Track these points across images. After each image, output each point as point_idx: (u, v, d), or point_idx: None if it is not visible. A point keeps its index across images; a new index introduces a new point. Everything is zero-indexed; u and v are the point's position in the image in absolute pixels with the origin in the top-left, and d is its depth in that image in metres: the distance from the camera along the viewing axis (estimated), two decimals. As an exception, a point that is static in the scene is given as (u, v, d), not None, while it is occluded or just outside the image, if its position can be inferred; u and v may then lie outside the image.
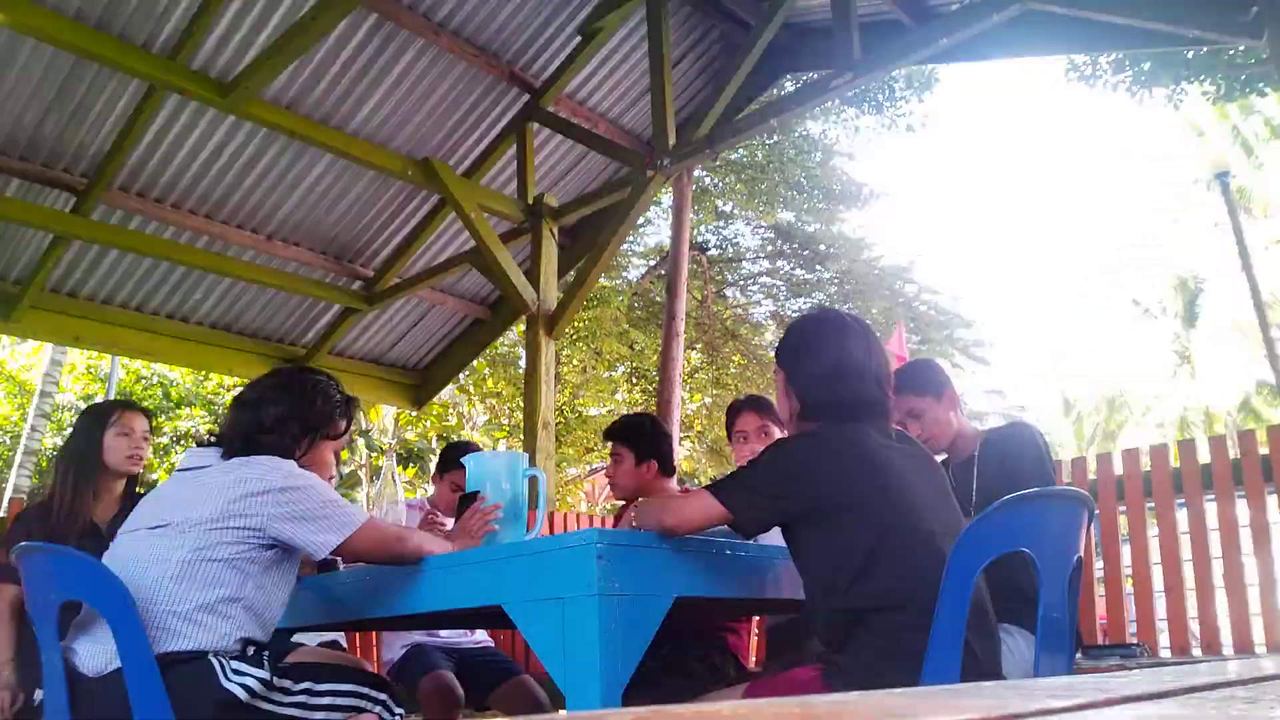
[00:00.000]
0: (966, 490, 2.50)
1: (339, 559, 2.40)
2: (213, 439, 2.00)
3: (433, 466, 3.48)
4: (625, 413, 15.40)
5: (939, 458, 2.68)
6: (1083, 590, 2.02)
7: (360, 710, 1.84)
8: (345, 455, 13.34)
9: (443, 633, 3.24)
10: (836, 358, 1.83)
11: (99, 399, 15.14)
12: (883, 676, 1.59)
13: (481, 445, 13.66)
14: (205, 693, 1.68)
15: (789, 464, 1.76)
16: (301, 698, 1.80)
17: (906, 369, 2.67)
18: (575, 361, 14.19)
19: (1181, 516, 3.49)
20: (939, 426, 2.54)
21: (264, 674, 1.76)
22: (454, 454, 3.40)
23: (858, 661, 1.65)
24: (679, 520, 1.74)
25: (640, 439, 3.09)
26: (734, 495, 1.75)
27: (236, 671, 1.73)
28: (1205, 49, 7.10)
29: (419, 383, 7.03)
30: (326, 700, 1.81)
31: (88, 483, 2.64)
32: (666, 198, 12.77)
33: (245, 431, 1.93)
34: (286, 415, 1.97)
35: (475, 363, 12.05)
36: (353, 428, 2.17)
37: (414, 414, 15.04)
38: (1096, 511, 3.44)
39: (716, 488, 1.77)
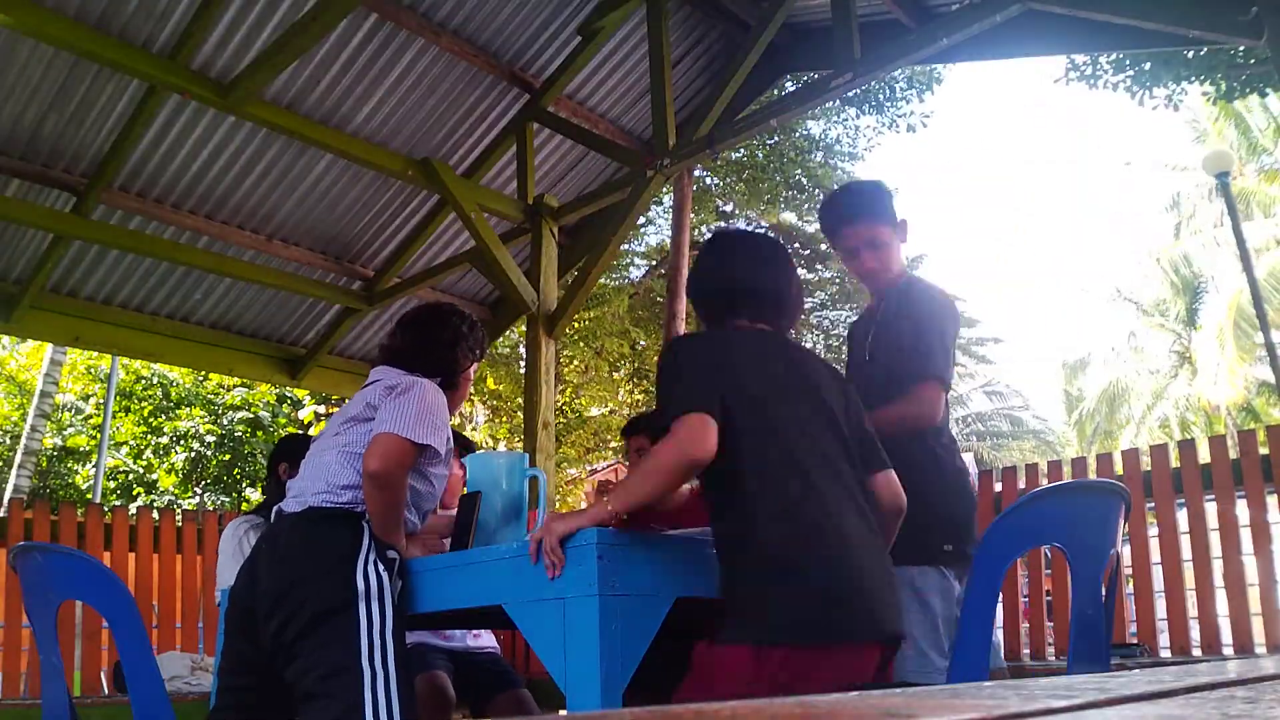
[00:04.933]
0: (861, 341, 2.36)
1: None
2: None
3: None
4: (627, 413, 15.45)
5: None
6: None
7: None
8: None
9: (449, 632, 3.24)
10: (714, 264, 1.97)
11: (99, 399, 15.15)
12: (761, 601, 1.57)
13: (482, 445, 13.67)
14: (341, 563, 1.89)
15: (694, 351, 1.80)
16: (378, 644, 1.87)
17: (858, 191, 2.45)
18: (576, 361, 14.19)
19: (1181, 516, 3.49)
20: (894, 260, 2.36)
21: (387, 580, 1.92)
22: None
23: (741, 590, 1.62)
24: (687, 454, 1.64)
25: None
26: (679, 404, 1.67)
27: (374, 564, 1.91)
28: (1205, 49, 7.09)
29: (419, 383, 7.02)
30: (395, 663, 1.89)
31: None
32: (667, 198, 12.77)
33: (423, 351, 2.25)
34: (459, 341, 2.32)
35: (475, 363, 12.03)
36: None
37: (414, 414, 15.00)
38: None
39: (674, 406, 1.69)
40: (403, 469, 1.98)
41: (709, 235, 2.12)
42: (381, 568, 1.93)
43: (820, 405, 1.78)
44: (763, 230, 14.79)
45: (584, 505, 3.36)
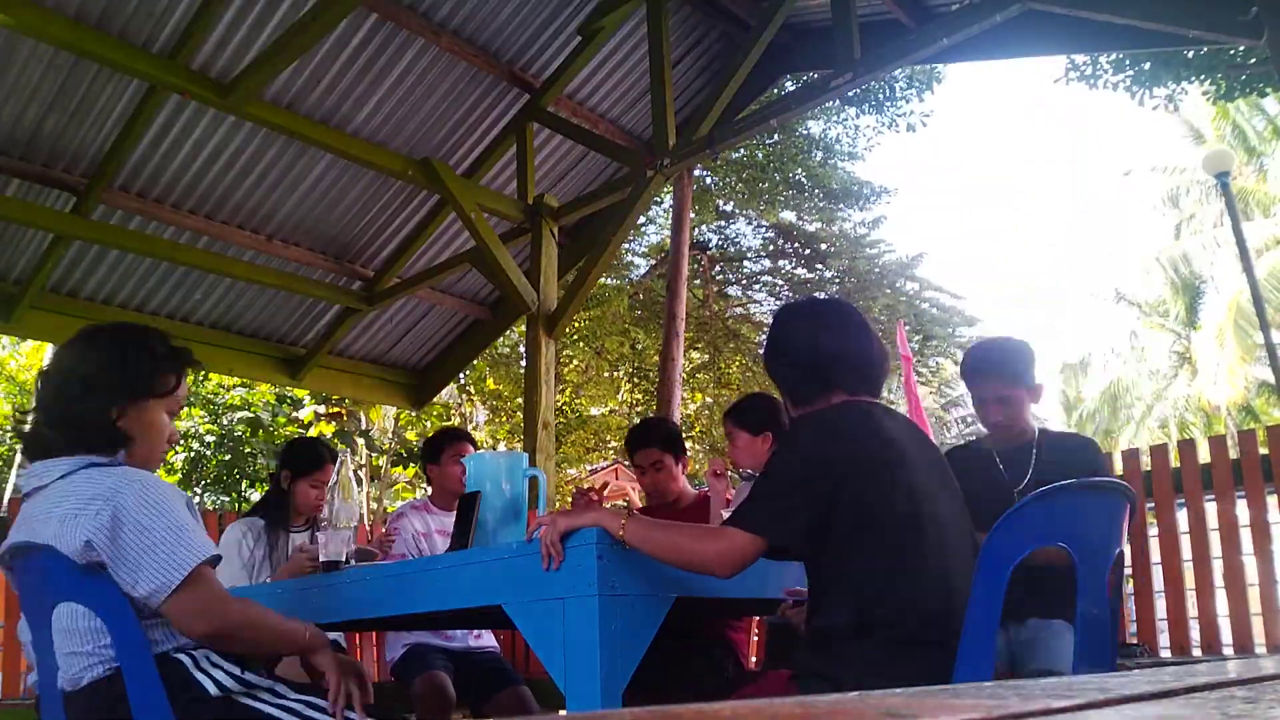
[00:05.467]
0: (1019, 475, 2.50)
1: (345, 558, 2.40)
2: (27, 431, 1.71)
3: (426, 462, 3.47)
4: (627, 413, 15.46)
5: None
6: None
7: None
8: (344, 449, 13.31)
9: (450, 632, 3.24)
10: (809, 341, 1.82)
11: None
12: (876, 670, 1.56)
13: (482, 445, 13.67)
14: (173, 690, 1.59)
15: (798, 454, 1.68)
16: (298, 705, 1.68)
17: (1006, 352, 2.59)
18: (576, 361, 14.19)
19: (1181, 516, 3.49)
20: (1020, 418, 2.55)
21: (238, 671, 1.67)
22: (446, 436, 3.42)
23: (846, 674, 1.58)
24: (710, 566, 1.64)
25: (677, 444, 3.23)
26: (758, 518, 1.63)
27: (213, 664, 1.66)
28: (1205, 49, 7.09)
29: (419, 383, 7.03)
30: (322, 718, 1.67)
31: None
32: (667, 198, 12.78)
33: (54, 414, 1.66)
34: (95, 379, 1.67)
35: (475, 363, 12.05)
36: (184, 383, 1.80)
37: (414, 414, 15.04)
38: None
39: (737, 519, 1.65)
40: (224, 605, 1.62)
41: (784, 308, 2.01)
42: (217, 659, 1.67)
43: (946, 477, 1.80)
44: (765, 228, 14.81)
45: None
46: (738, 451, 2.92)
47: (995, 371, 2.54)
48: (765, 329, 14.99)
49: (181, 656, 1.65)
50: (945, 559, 1.65)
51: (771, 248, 15.09)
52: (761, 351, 1.96)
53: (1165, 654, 3.43)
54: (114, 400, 1.68)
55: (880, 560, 1.61)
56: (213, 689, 1.64)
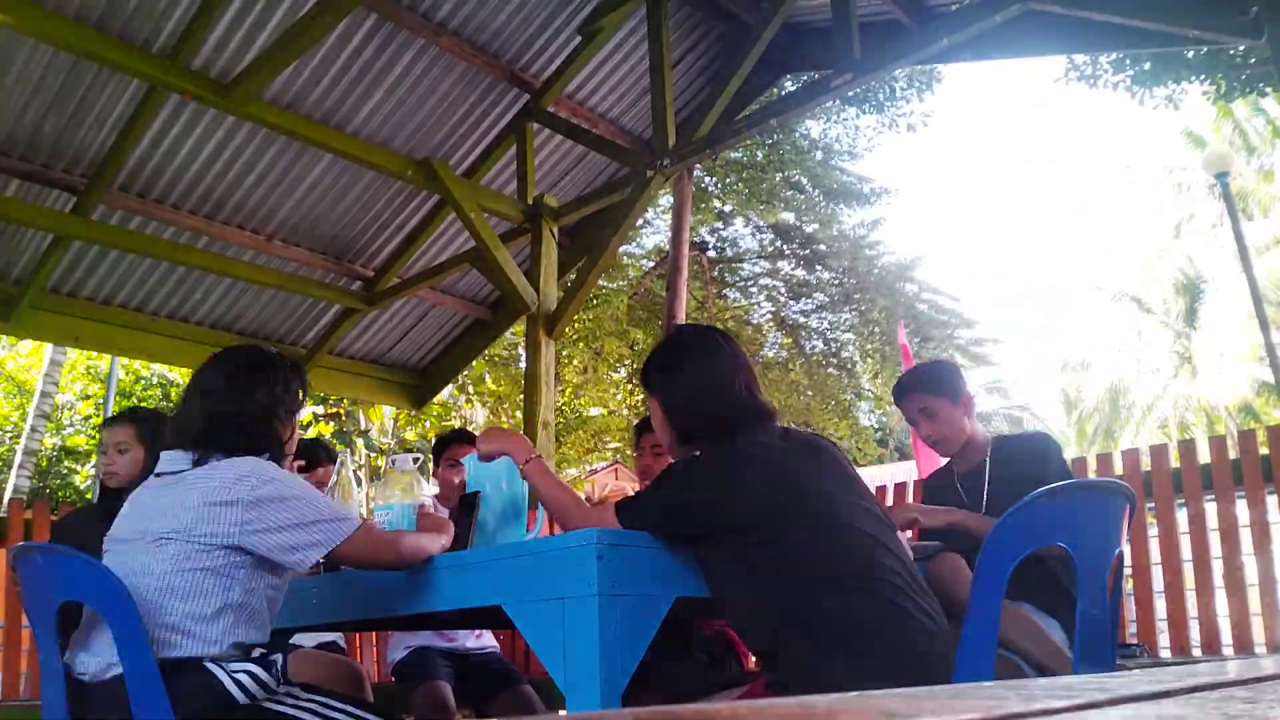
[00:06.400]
0: (976, 498, 2.48)
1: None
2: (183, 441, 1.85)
3: (432, 467, 3.50)
4: (626, 413, 15.45)
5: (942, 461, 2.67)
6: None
7: None
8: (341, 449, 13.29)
9: (451, 634, 3.24)
10: (701, 373, 1.84)
11: (98, 399, 15.16)
12: (832, 676, 1.55)
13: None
14: (201, 694, 1.66)
15: (681, 490, 1.74)
16: (314, 705, 1.76)
17: (924, 368, 2.68)
18: (576, 362, 14.19)
19: (1181, 516, 3.49)
20: (951, 428, 2.51)
21: (265, 676, 1.74)
22: (441, 442, 3.44)
23: (802, 670, 1.59)
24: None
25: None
26: (635, 515, 1.76)
27: (237, 672, 1.72)
28: (1205, 49, 7.09)
29: (419, 383, 7.03)
30: (339, 717, 1.76)
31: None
32: (666, 198, 12.77)
33: (220, 427, 1.81)
34: (266, 404, 1.87)
35: (475, 363, 12.04)
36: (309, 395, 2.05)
37: (414, 414, 15.03)
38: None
39: (620, 508, 1.78)
40: (391, 549, 1.82)
41: (674, 336, 2.00)
42: (245, 665, 1.74)
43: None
44: (764, 229, 14.80)
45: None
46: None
47: (914, 386, 2.57)
48: (764, 330, 15.00)
49: (209, 665, 1.70)
50: (865, 538, 1.66)
51: (770, 249, 15.09)
52: (644, 382, 1.94)
53: (1165, 654, 3.43)
54: (283, 426, 1.91)
55: (801, 546, 1.63)
56: (240, 695, 1.69)
